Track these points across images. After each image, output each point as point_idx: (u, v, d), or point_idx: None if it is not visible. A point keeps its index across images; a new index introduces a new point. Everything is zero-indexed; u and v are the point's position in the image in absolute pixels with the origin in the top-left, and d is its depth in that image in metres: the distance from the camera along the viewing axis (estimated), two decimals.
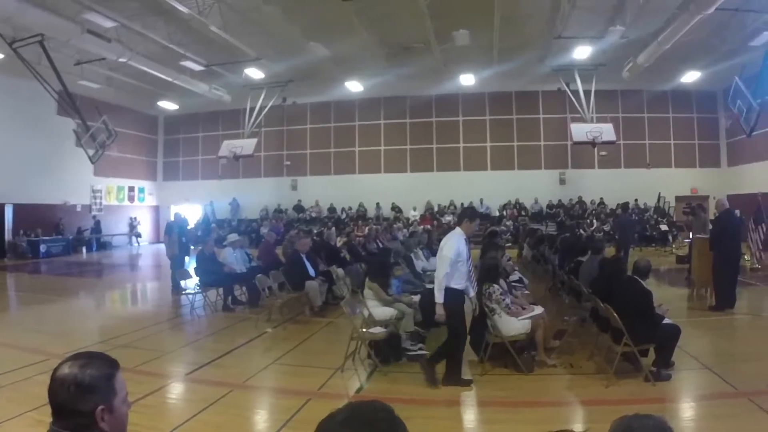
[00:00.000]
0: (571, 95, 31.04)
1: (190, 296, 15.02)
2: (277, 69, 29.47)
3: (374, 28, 24.39)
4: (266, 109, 33.37)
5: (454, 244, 8.10)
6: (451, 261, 7.98)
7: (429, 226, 29.26)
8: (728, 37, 25.26)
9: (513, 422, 6.80)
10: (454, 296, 8.07)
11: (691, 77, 32.40)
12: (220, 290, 14.95)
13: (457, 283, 8.11)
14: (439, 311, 8.09)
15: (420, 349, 9.54)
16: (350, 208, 37.59)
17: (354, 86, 33.97)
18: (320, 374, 8.58)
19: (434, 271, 14.64)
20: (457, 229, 8.43)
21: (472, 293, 8.50)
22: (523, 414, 7.08)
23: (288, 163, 38.96)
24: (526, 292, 12.02)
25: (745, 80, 20.67)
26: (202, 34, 23.34)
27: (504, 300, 8.99)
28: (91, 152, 27.53)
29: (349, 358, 9.03)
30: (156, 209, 42.48)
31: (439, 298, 8.06)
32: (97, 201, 36.84)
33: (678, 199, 35.84)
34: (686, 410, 7.34)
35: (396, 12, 22.57)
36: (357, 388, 8.12)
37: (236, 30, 23.06)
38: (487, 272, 9.34)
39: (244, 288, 15.30)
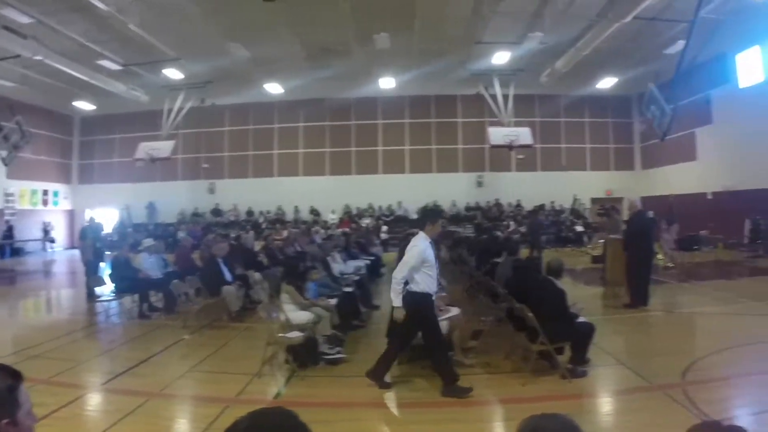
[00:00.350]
0: (489, 99, 31.46)
1: (105, 303, 14.70)
2: (196, 69, 29.04)
3: (295, 30, 24.22)
4: (184, 111, 32.89)
5: (419, 249, 7.85)
6: (413, 266, 7.75)
7: (347, 229, 29.11)
8: (644, 44, 26.07)
9: (432, 422, 6.84)
10: (423, 300, 7.89)
11: (607, 83, 33.43)
12: (136, 297, 14.48)
13: (428, 287, 7.93)
14: (397, 315, 7.84)
15: (338, 352, 9.47)
16: (268, 212, 37.12)
17: (273, 88, 33.74)
18: (238, 380, 8.43)
19: (351, 274, 14.69)
20: (421, 234, 8.16)
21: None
22: (441, 414, 7.10)
23: (206, 165, 38.08)
24: (443, 293, 12.06)
25: (660, 87, 21.22)
26: (121, 32, 22.87)
27: None
28: (3, 154, 26.73)
29: (267, 363, 8.90)
30: (71, 213, 41.10)
31: (396, 302, 7.79)
32: (10, 205, 35.65)
33: (593, 200, 36.92)
34: (603, 405, 7.51)
35: (318, 14, 22.44)
36: (275, 394, 7.99)
37: (155, 29, 22.67)
38: None
39: (160, 294, 14.86)
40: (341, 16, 22.36)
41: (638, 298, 13.45)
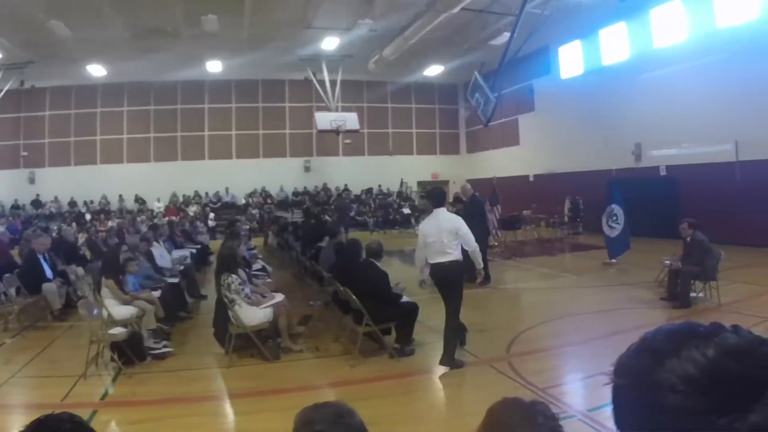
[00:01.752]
0: (317, 85, 31.30)
1: None
2: (15, 48, 27.08)
3: (121, 9, 23.02)
4: (2, 93, 30.82)
5: (461, 220, 8.53)
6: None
7: (174, 218, 28.29)
8: (471, 35, 26.80)
9: (261, 411, 6.70)
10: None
11: (434, 71, 34.13)
12: None
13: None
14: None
15: (165, 346, 9.12)
16: (92, 202, 35.13)
17: (97, 70, 31.78)
18: (64, 383, 7.85)
19: (176, 264, 14.28)
20: (443, 209, 8.69)
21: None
22: (271, 402, 6.96)
23: (25, 153, 35.46)
24: (269, 280, 11.97)
25: (485, 75, 21.88)
26: None
27: (243, 290, 8.84)
28: None
29: (92, 363, 8.34)
30: None
31: (479, 263, 8.65)
32: None
33: (420, 184, 37.72)
34: (432, 382, 7.62)
35: None
36: (102, 394, 7.53)
37: None
38: (225, 262, 9.18)
39: None
40: None
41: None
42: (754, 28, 18.63)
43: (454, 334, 8.17)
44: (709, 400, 0.86)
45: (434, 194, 9.05)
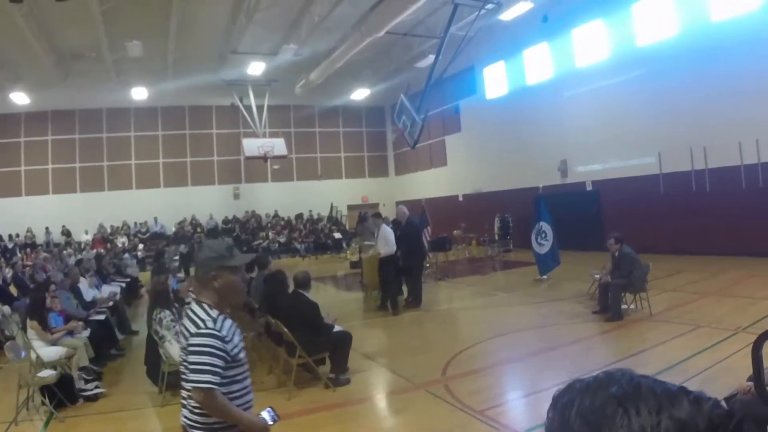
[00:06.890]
0: (243, 110, 31.13)
1: None
2: None
3: (42, 34, 22.42)
4: None
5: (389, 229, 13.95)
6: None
7: (102, 250, 27.57)
8: (396, 58, 27.19)
9: None
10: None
11: (360, 94, 34.06)
12: None
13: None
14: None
15: (96, 387, 8.81)
16: (18, 235, 33.94)
17: (20, 98, 30.85)
18: None
19: (105, 300, 13.95)
20: (384, 225, 14.09)
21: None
22: None
23: None
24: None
25: (410, 98, 21.97)
26: None
27: (174, 326, 8.63)
28: None
29: (23, 407, 7.95)
30: None
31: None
32: None
33: (350, 207, 37.61)
34: (369, 409, 7.57)
35: (67, 17, 20.98)
36: None
37: None
38: (158, 298, 8.98)
39: None
40: (92, 20, 21.08)
41: (419, 298, 14.07)
42: (672, 45, 19.23)
43: (388, 292, 13.56)
44: None
45: (374, 214, 15.26)
